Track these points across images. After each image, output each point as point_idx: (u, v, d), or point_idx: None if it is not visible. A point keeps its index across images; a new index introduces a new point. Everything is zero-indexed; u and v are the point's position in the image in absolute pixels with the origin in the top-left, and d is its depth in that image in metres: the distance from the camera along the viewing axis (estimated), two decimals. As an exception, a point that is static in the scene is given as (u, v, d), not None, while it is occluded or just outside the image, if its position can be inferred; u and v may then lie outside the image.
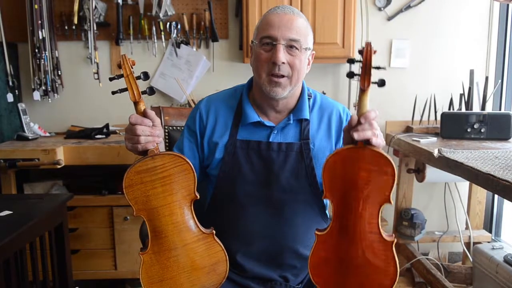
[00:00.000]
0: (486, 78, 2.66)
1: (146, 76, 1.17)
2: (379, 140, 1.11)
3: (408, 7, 2.85)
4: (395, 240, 1.18)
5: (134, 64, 1.17)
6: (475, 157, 1.91)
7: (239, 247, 1.34)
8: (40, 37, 2.61)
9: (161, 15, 2.69)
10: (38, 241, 1.81)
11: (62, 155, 2.36)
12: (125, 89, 1.17)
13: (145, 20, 2.76)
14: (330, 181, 1.14)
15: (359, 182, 1.11)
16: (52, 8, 2.69)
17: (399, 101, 2.91)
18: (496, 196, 2.90)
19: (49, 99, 2.74)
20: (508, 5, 2.81)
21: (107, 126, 2.66)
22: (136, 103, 1.17)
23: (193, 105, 2.70)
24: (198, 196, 1.20)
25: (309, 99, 1.39)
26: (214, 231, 1.23)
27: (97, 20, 2.70)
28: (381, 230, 1.16)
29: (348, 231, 1.15)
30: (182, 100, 2.85)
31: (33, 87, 2.70)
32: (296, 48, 1.26)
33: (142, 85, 1.16)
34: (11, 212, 1.74)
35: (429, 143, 2.34)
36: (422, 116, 2.70)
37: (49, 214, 1.82)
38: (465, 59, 2.90)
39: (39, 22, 2.60)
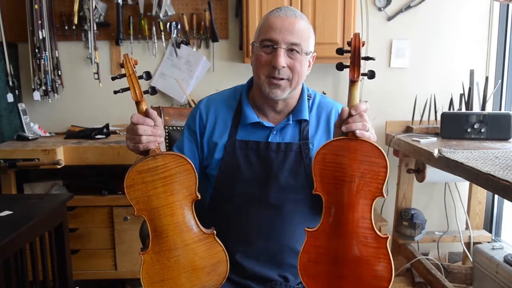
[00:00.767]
0: (486, 78, 2.66)
1: (148, 75, 1.17)
2: (370, 135, 1.11)
3: (408, 7, 2.85)
4: (389, 237, 1.14)
5: (136, 64, 1.18)
6: (475, 157, 1.91)
7: (238, 247, 1.34)
8: (40, 37, 2.61)
9: (161, 15, 2.69)
10: (38, 241, 1.81)
11: (62, 155, 2.35)
12: (127, 89, 1.17)
13: (145, 20, 2.76)
14: (320, 174, 1.12)
15: (351, 174, 1.09)
16: (52, 8, 2.70)
17: (399, 101, 2.91)
18: (496, 196, 2.90)
19: (49, 99, 2.74)
20: (508, 5, 2.81)
21: (107, 126, 2.66)
22: (138, 103, 1.17)
23: (193, 105, 2.70)
24: (199, 197, 1.20)
25: (308, 99, 1.39)
26: (215, 232, 1.23)
27: (97, 20, 2.70)
28: (375, 226, 1.13)
29: (340, 227, 1.13)
30: (182, 100, 2.85)
31: (33, 87, 2.70)
32: (297, 52, 1.25)
33: (144, 84, 1.16)
34: (11, 212, 1.74)
35: (429, 143, 2.34)
36: (422, 116, 2.70)
37: (49, 214, 1.82)
38: (465, 59, 2.90)
39: (39, 22, 2.60)
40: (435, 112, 2.70)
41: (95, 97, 2.86)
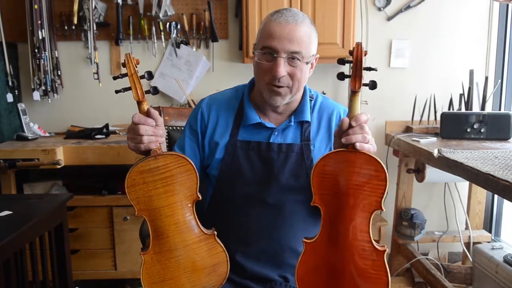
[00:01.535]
0: (486, 78, 2.66)
1: (150, 75, 1.17)
2: (370, 147, 1.09)
3: (408, 7, 2.85)
4: (387, 250, 1.14)
5: (138, 63, 1.17)
6: (475, 157, 1.91)
7: (238, 247, 1.34)
8: (40, 37, 2.61)
9: (161, 15, 2.69)
10: (38, 241, 1.81)
11: (62, 155, 2.35)
12: (129, 88, 1.17)
13: (145, 20, 2.76)
14: (319, 186, 1.11)
15: (350, 187, 1.08)
16: (52, 8, 2.69)
17: (399, 101, 2.91)
18: (496, 196, 2.90)
19: (49, 99, 2.74)
20: (508, 5, 2.81)
21: (107, 126, 2.66)
22: (139, 103, 1.16)
23: (193, 105, 2.70)
24: (200, 197, 1.20)
25: (310, 101, 1.39)
26: (215, 232, 1.23)
27: (97, 20, 2.70)
28: (372, 239, 1.12)
29: (338, 240, 1.12)
30: (182, 100, 2.85)
31: (32, 87, 2.70)
32: (298, 59, 1.24)
33: (144, 84, 1.16)
34: (11, 212, 1.74)
35: (429, 143, 2.34)
36: (422, 116, 2.70)
37: (49, 214, 1.82)
38: (465, 59, 2.90)
39: (39, 22, 2.60)
40: (435, 112, 2.70)
41: (94, 97, 2.86)
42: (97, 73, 2.73)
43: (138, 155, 1.20)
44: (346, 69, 2.68)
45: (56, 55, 2.74)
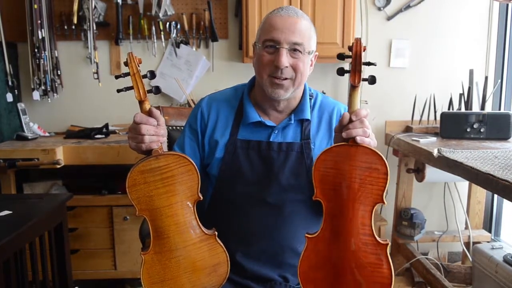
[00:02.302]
0: (486, 78, 2.66)
1: (152, 74, 1.17)
2: (370, 141, 1.10)
3: (408, 7, 2.85)
4: (389, 243, 1.14)
5: (140, 62, 1.17)
6: (475, 157, 1.91)
7: (238, 247, 1.34)
8: (40, 37, 2.61)
9: (160, 15, 2.69)
10: (37, 241, 1.80)
11: (61, 155, 2.35)
12: (131, 88, 1.16)
13: (145, 20, 2.76)
14: (320, 180, 1.11)
15: (351, 181, 1.09)
16: (52, 8, 2.69)
17: (398, 101, 2.91)
18: (495, 196, 2.91)
19: (49, 99, 2.74)
20: (507, 5, 2.81)
21: (106, 126, 2.66)
22: (141, 102, 1.16)
23: (193, 105, 2.70)
24: (201, 197, 1.20)
25: (310, 99, 1.39)
26: (216, 233, 1.23)
27: (96, 20, 2.70)
28: (375, 233, 1.12)
29: (340, 233, 1.12)
30: (181, 100, 2.85)
31: (32, 87, 2.70)
32: (300, 51, 1.25)
33: (147, 83, 1.16)
34: (10, 212, 1.73)
35: (429, 143, 2.34)
36: (421, 116, 2.70)
37: (48, 214, 1.81)
38: (464, 59, 2.90)
39: (39, 22, 2.60)
40: (435, 112, 2.70)
41: (94, 97, 2.86)
42: (97, 72, 2.73)
43: (139, 155, 1.19)
44: (346, 66, 2.67)
45: (56, 54, 2.74)
